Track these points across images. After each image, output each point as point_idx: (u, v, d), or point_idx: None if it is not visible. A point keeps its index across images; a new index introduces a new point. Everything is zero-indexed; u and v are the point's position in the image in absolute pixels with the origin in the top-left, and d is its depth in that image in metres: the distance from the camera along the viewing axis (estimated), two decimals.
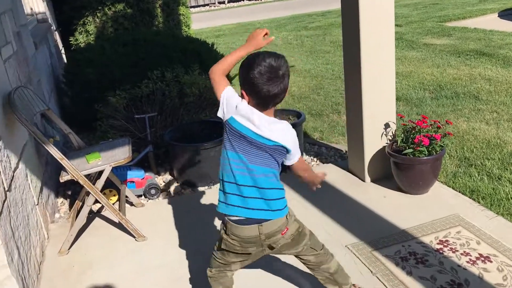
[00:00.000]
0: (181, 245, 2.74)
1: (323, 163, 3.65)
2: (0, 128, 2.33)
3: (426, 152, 2.91)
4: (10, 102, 2.48)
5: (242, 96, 1.69)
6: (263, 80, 1.62)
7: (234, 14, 14.55)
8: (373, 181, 3.24)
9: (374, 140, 3.17)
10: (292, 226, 1.86)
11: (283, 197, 1.84)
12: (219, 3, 17.75)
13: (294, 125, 3.51)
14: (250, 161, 1.72)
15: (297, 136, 3.58)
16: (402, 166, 2.97)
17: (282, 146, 1.72)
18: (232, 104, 1.70)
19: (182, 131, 3.75)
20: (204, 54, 4.86)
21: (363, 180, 3.26)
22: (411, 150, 2.92)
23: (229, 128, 1.71)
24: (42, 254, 2.70)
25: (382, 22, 2.94)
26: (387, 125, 3.17)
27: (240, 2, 17.52)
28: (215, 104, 4.27)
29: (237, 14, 14.41)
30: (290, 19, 11.80)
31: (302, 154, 3.67)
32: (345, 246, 2.56)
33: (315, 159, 3.74)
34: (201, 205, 3.20)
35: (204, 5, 17.63)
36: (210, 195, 3.33)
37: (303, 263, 2.03)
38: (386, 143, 3.16)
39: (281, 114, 3.91)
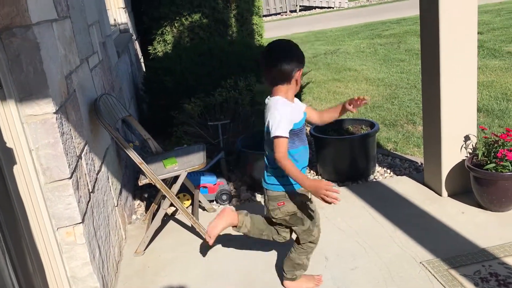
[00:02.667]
0: (250, 252, 2.76)
1: (397, 175, 3.55)
2: (86, 133, 2.49)
3: (510, 167, 2.74)
4: (95, 108, 2.64)
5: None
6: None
7: (305, 22, 14.55)
8: (450, 195, 3.10)
9: (452, 153, 3.03)
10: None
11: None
12: (291, 11, 17.83)
13: (367, 135, 3.48)
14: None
15: (371, 146, 3.55)
16: (483, 181, 2.82)
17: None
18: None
19: (253, 139, 3.79)
20: None
21: (440, 194, 3.12)
22: (493, 165, 2.76)
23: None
24: (120, 254, 2.84)
25: (464, 29, 2.82)
26: (467, 138, 3.02)
27: (311, 11, 17.49)
28: None
29: (308, 22, 14.40)
30: (363, 27, 11.60)
31: (374, 165, 3.60)
32: (420, 262, 2.46)
33: (388, 170, 3.64)
34: None
35: (276, 14, 17.78)
36: None
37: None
38: (466, 157, 3.01)
39: (353, 124, 3.85)
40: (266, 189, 2.23)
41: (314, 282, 2.42)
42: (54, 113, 1.97)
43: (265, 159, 2.23)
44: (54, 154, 1.99)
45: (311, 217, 2.28)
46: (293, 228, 2.31)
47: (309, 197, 2.27)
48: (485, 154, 2.88)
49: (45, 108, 1.95)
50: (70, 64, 2.40)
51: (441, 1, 2.75)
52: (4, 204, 1.86)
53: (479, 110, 4.61)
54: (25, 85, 1.91)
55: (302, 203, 2.23)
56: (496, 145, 2.86)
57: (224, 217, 2.35)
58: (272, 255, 2.71)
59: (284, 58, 2.02)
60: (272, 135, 2.02)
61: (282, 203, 2.19)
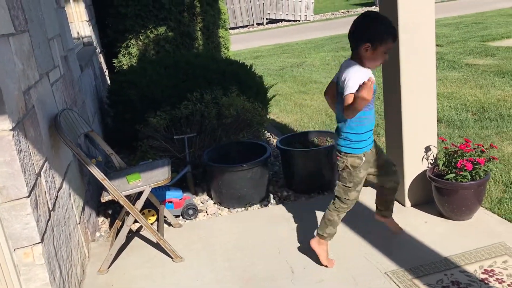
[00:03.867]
0: (218, 267, 2.74)
1: (363, 186, 3.58)
2: (46, 149, 2.42)
3: (469, 177, 2.82)
4: (56, 124, 2.57)
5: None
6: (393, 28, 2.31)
7: (272, 35, 14.71)
8: (413, 205, 3.16)
9: (414, 164, 3.10)
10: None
11: None
12: (258, 24, 18.00)
13: (332, 147, 3.52)
14: None
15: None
16: (444, 191, 2.89)
17: None
18: None
19: (220, 152, 3.79)
20: (242, 75, 4.92)
21: (403, 205, 3.18)
22: (453, 175, 2.83)
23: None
24: (83, 273, 2.76)
25: (422, 42, 2.90)
26: (428, 148, 3.09)
27: (278, 23, 17.70)
28: (252, 125, 4.32)
29: (275, 35, 14.56)
30: (328, 39, 11.81)
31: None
32: (385, 273, 2.49)
33: None
34: (237, 226, 3.20)
35: (243, 27, 17.91)
36: (246, 216, 3.33)
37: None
38: (427, 167, 3.09)
39: (318, 136, 3.89)
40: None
41: (330, 262, 2.61)
42: (11, 130, 1.91)
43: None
44: (10, 172, 1.93)
45: (356, 183, 2.54)
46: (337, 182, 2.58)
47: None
48: (446, 164, 2.96)
49: (1, 125, 1.89)
50: (29, 79, 2.35)
51: (400, 14, 2.83)
52: None
53: (440, 120, 4.74)
54: None
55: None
56: (456, 155, 2.94)
57: (317, 249, 2.62)
58: (238, 264, 2.69)
59: (353, 30, 2.33)
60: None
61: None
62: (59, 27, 3.49)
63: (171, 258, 2.83)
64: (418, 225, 2.93)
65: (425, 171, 3.07)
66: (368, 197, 3.36)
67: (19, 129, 2.01)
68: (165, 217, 3.24)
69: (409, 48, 2.88)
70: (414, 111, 3.00)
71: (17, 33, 2.29)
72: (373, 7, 18.77)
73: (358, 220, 3.07)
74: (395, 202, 3.23)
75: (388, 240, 2.81)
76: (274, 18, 18.00)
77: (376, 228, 2.95)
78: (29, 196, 1.99)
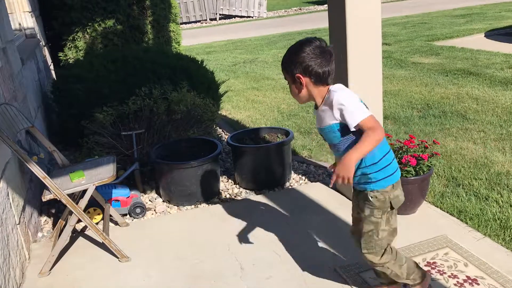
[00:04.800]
0: (166, 265, 2.68)
1: (312, 182, 3.63)
2: None
3: (414, 172, 2.90)
4: None
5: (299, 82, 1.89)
6: (320, 57, 1.84)
7: (225, 31, 14.64)
8: None
9: None
10: None
11: None
12: (211, 19, 17.87)
13: (282, 144, 3.53)
14: None
15: (286, 154, 3.56)
16: None
17: None
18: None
19: (169, 149, 3.71)
20: (193, 71, 4.85)
21: (350, 200, 3.23)
22: None
23: None
24: (22, 276, 2.63)
25: (369, 40, 2.95)
26: None
27: (231, 19, 17.65)
28: (203, 121, 4.27)
29: (228, 31, 14.50)
30: (281, 36, 11.89)
31: (290, 172, 3.66)
32: (334, 269, 2.52)
33: (303, 177, 3.72)
34: (187, 224, 3.15)
35: (196, 22, 17.73)
36: (196, 214, 3.29)
37: None
38: None
39: (269, 132, 3.90)
40: None
41: None
42: None
43: None
44: None
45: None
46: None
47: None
48: None
49: None
50: None
51: (347, 10, 2.86)
52: None
53: (387, 117, 4.87)
54: None
55: None
56: (400, 151, 3.02)
57: None
58: (185, 263, 2.65)
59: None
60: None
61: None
62: None
63: (117, 258, 2.75)
64: None
65: None
66: (315, 192, 3.40)
67: None
68: (111, 216, 3.15)
69: (356, 45, 2.93)
70: None
71: None
72: (325, 5, 19.06)
73: (306, 215, 3.10)
74: (343, 196, 3.29)
75: (337, 235, 2.85)
76: (227, 13, 17.93)
77: (325, 223, 2.99)
78: None
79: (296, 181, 3.67)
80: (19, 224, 2.74)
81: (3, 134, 2.40)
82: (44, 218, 3.40)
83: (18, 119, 2.78)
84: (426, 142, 3.06)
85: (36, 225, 3.21)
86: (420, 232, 2.79)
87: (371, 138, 1.75)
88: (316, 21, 14.18)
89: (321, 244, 2.78)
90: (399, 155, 2.98)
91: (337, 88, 1.90)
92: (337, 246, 2.73)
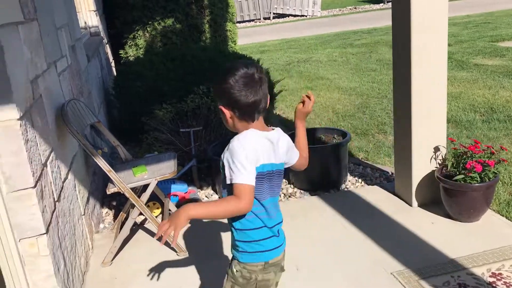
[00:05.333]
0: (219, 262, 2.72)
1: (368, 185, 3.57)
2: (52, 139, 2.40)
3: (479, 179, 2.79)
4: (63, 114, 2.55)
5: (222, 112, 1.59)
6: (243, 89, 1.51)
7: (279, 30, 14.63)
8: (420, 205, 3.13)
9: (422, 164, 3.06)
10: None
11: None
12: (265, 18, 17.91)
13: (339, 145, 3.49)
14: None
15: (343, 156, 3.50)
16: (452, 192, 2.86)
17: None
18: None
19: (224, 147, 3.75)
20: None
21: (410, 205, 3.15)
22: (462, 176, 2.80)
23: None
24: (86, 264, 2.75)
25: (435, 40, 2.86)
26: (436, 149, 3.06)
27: (285, 18, 17.61)
28: None
29: (282, 30, 14.48)
30: (335, 36, 11.74)
31: (346, 174, 3.61)
32: (391, 273, 2.47)
33: (359, 180, 3.66)
34: None
35: (249, 21, 17.83)
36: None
37: None
38: (436, 167, 3.05)
39: (325, 133, 3.86)
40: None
41: None
42: (18, 119, 1.89)
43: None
44: (17, 162, 1.91)
45: None
46: None
47: None
48: (454, 165, 2.92)
49: (9, 114, 1.87)
50: (37, 68, 2.32)
51: (413, 12, 2.79)
52: None
53: (447, 121, 4.69)
54: None
55: None
56: (465, 156, 2.91)
57: None
58: None
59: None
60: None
61: None
62: (67, 16, 3.46)
63: (175, 251, 2.81)
64: (424, 226, 2.90)
65: (433, 171, 3.03)
66: (372, 195, 3.33)
67: (26, 119, 1.99)
68: (169, 210, 3.22)
69: (421, 47, 2.84)
70: (423, 111, 2.96)
71: (26, 21, 2.26)
72: (381, 4, 18.65)
73: (363, 218, 3.05)
74: (402, 201, 3.22)
75: (394, 239, 2.78)
76: (281, 13, 17.90)
77: (381, 227, 2.93)
78: (35, 186, 1.98)
79: (352, 184, 3.61)
80: (84, 215, 2.86)
81: (73, 128, 2.51)
82: (105, 210, 3.54)
83: (85, 114, 2.90)
84: (492, 148, 2.93)
85: (99, 216, 3.34)
86: (484, 241, 2.68)
87: (228, 205, 1.50)
88: (371, 20, 13.89)
89: (377, 248, 2.73)
90: (463, 161, 2.87)
91: (242, 137, 1.56)
92: (394, 251, 2.67)
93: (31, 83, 2.16)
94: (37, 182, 2.01)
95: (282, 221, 1.75)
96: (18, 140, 1.90)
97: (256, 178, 1.53)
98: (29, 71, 2.16)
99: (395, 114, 3.21)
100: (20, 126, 1.90)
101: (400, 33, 2.94)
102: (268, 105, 1.61)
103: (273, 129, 1.64)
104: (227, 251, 2.82)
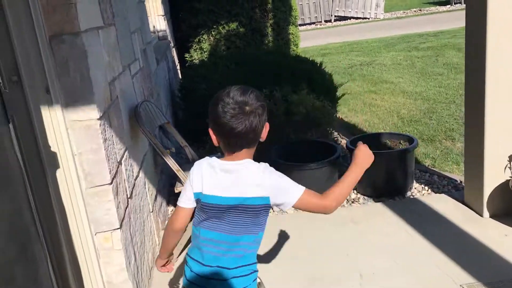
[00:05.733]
0: (283, 264, 2.73)
1: (435, 193, 3.45)
2: (126, 139, 2.52)
3: None
4: (136, 115, 2.66)
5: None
6: (226, 116, 1.45)
7: (340, 32, 14.47)
8: (492, 216, 2.99)
9: (495, 173, 2.93)
10: None
11: None
12: (326, 21, 17.79)
13: (406, 151, 3.41)
14: None
15: (409, 162, 3.41)
16: None
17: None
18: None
19: (287, 149, 3.77)
20: (312, 73, 4.87)
21: (481, 215, 3.02)
22: None
23: None
24: (154, 260, 2.85)
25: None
26: (511, 157, 2.91)
27: (346, 21, 17.40)
28: (321, 124, 4.26)
29: (343, 32, 14.31)
30: (400, 38, 11.45)
31: (412, 181, 3.51)
32: (460, 285, 2.38)
33: (426, 187, 3.55)
34: (304, 224, 3.17)
35: (310, 24, 17.77)
36: (313, 215, 3.28)
37: None
38: (510, 177, 2.90)
39: (390, 138, 3.78)
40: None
41: None
42: (98, 119, 2.00)
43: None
44: (96, 159, 2.02)
45: None
46: None
47: None
48: None
49: (90, 114, 1.98)
50: (114, 71, 2.44)
51: (489, 13, 2.67)
52: (46, 208, 1.89)
53: None
54: (71, 91, 1.95)
55: None
56: None
57: None
58: (311, 271, 2.67)
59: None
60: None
61: None
62: (139, 21, 3.61)
63: None
64: (497, 238, 2.77)
65: (507, 181, 2.89)
66: (439, 204, 3.22)
67: (105, 119, 2.10)
68: None
69: (497, 50, 2.72)
70: (498, 118, 2.83)
71: (105, 26, 2.38)
72: (448, 6, 17.98)
73: (429, 227, 2.95)
74: (471, 211, 3.09)
75: (463, 250, 2.68)
76: (342, 15, 17.70)
77: (450, 237, 2.82)
78: (111, 183, 2.08)
79: (418, 191, 3.51)
80: (152, 212, 2.97)
81: (145, 129, 2.62)
82: (171, 208, 3.65)
83: (156, 115, 3.01)
84: None
85: (165, 214, 3.45)
86: None
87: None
88: (437, 22, 13.42)
89: (444, 258, 2.63)
90: None
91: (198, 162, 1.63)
92: (463, 262, 2.57)
93: (109, 85, 2.28)
94: (113, 179, 2.11)
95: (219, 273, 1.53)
96: (97, 139, 2.00)
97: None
98: (107, 74, 2.28)
99: (466, 120, 3.09)
100: (100, 125, 2.01)
101: (474, 36, 2.83)
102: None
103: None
104: (288, 253, 2.83)
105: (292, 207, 1.55)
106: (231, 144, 1.51)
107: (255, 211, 1.51)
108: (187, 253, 1.65)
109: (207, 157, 1.60)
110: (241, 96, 1.48)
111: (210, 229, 1.55)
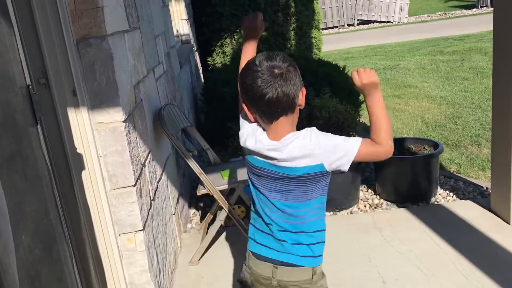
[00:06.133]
0: None
1: (461, 199, 3.39)
2: (150, 141, 2.54)
3: None
4: (160, 118, 2.69)
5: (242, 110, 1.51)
6: (255, 83, 1.37)
7: (363, 36, 14.37)
8: None
9: None
10: None
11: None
12: (348, 25, 17.69)
13: (430, 156, 3.35)
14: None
15: (434, 168, 3.36)
16: None
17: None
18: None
19: None
20: (335, 77, 4.85)
21: (508, 222, 2.95)
22: None
23: None
24: (175, 262, 2.86)
25: None
26: None
27: (369, 25, 17.27)
28: (344, 128, 4.23)
29: (367, 36, 14.21)
30: (424, 42, 11.30)
31: (436, 187, 3.46)
32: None
33: (451, 194, 3.48)
34: (326, 229, 3.13)
35: (333, 27, 17.70)
36: (335, 220, 3.26)
37: None
38: None
39: (415, 143, 3.72)
40: (301, 266, 1.53)
41: None
42: (123, 121, 2.02)
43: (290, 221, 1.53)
44: (120, 161, 2.04)
45: None
46: None
47: None
48: None
49: (115, 116, 2.00)
50: (138, 74, 2.47)
51: None
52: (71, 208, 1.92)
53: None
54: (97, 94, 1.98)
55: None
56: None
57: None
58: (334, 276, 2.64)
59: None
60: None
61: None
62: (164, 25, 3.65)
63: None
64: None
65: None
66: (465, 211, 3.16)
67: (129, 121, 2.13)
68: None
69: None
70: None
71: (131, 30, 2.42)
72: (474, 9, 17.68)
73: (455, 234, 2.89)
74: (498, 218, 3.02)
75: (490, 258, 2.62)
76: (365, 19, 17.58)
77: (475, 244, 2.76)
78: (135, 185, 2.10)
79: (443, 197, 3.45)
80: (174, 214, 2.99)
81: (169, 132, 2.64)
82: (192, 211, 3.67)
83: (179, 118, 3.03)
84: None
85: (186, 216, 3.47)
86: None
87: None
88: (463, 26, 13.20)
89: (469, 266, 2.58)
90: None
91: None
92: (491, 270, 2.50)
93: (133, 87, 2.31)
94: (137, 181, 2.13)
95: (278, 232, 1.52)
96: (122, 141, 2.03)
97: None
98: (132, 77, 2.31)
99: (493, 126, 3.02)
100: (125, 128, 2.03)
101: (502, 39, 2.77)
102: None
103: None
104: None
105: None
106: (265, 113, 1.42)
107: (310, 179, 1.44)
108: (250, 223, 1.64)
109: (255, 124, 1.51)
110: (268, 60, 1.40)
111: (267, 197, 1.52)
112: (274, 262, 1.53)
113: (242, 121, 1.57)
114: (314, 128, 1.47)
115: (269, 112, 1.42)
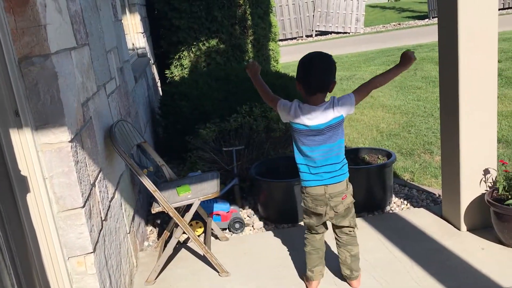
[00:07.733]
0: (264, 285, 2.70)
1: (414, 207, 3.47)
2: (101, 160, 2.48)
3: None
4: (111, 135, 2.63)
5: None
6: (312, 70, 2.39)
7: (322, 47, 14.59)
8: (469, 230, 3.01)
9: (472, 186, 2.96)
10: (349, 198, 2.48)
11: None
12: (307, 36, 17.96)
13: (384, 166, 3.42)
14: None
15: (388, 177, 3.46)
16: (504, 217, 2.73)
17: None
18: None
19: (267, 166, 3.76)
20: (292, 89, 4.89)
21: (458, 229, 3.04)
22: None
23: None
24: (131, 282, 2.80)
25: (484, 58, 2.78)
26: (486, 171, 2.95)
27: (327, 36, 17.60)
28: None
29: (324, 47, 14.45)
30: (379, 53, 11.60)
31: (391, 196, 3.53)
32: None
33: (405, 202, 3.57)
34: (285, 243, 3.15)
35: (292, 38, 17.93)
36: (294, 233, 3.28)
37: (336, 238, 2.58)
38: (486, 190, 2.94)
39: (369, 153, 3.80)
40: (335, 183, 2.39)
41: None
42: (69, 141, 1.97)
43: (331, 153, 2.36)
44: (68, 182, 1.98)
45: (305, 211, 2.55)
46: (345, 224, 2.51)
47: None
48: (506, 188, 2.81)
49: (61, 136, 1.95)
50: (87, 91, 2.42)
51: (460, 28, 2.72)
52: (16, 232, 1.85)
53: (498, 140, 4.52)
54: (42, 114, 1.92)
55: None
56: None
57: None
58: (282, 281, 2.65)
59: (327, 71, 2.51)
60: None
61: (345, 196, 2.43)
62: (116, 40, 3.59)
63: (218, 272, 2.82)
64: (474, 252, 2.79)
65: (483, 194, 2.92)
66: (418, 219, 3.24)
67: (77, 141, 2.07)
68: (212, 229, 3.25)
69: (469, 65, 2.77)
70: (473, 132, 2.87)
71: (78, 47, 2.36)
72: (426, 20, 18.33)
73: (409, 242, 2.96)
74: (450, 225, 3.11)
75: (443, 266, 2.68)
76: (323, 30, 17.91)
77: (428, 252, 2.83)
78: (83, 206, 2.04)
79: (398, 206, 3.53)
80: (129, 233, 2.93)
81: (120, 149, 2.59)
82: (149, 228, 3.60)
83: (132, 135, 2.98)
84: None
85: (143, 234, 3.40)
86: None
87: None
88: (416, 36, 13.66)
89: (425, 274, 2.63)
90: None
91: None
92: (443, 277, 2.57)
93: (82, 106, 2.25)
94: (85, 202, 2.08)
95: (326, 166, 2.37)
96: (69, 162, 1.97)
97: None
98: (80, 95, 2.25)
99: (442, 134, 3.12)
100: (71, 148, 1.98)
101: (447, 50, 2.88)
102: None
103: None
104: (270, 273, 2.80)
105: None
106: (312, 88, 2.34)
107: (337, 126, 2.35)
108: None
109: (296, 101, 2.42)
110: (321, 59, 2.46)
111: (308, 145, 2.36)
112: (325, 183, 2.37)
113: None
114: (334, 97, 2.39)
115: (315, 87, 2.40)
